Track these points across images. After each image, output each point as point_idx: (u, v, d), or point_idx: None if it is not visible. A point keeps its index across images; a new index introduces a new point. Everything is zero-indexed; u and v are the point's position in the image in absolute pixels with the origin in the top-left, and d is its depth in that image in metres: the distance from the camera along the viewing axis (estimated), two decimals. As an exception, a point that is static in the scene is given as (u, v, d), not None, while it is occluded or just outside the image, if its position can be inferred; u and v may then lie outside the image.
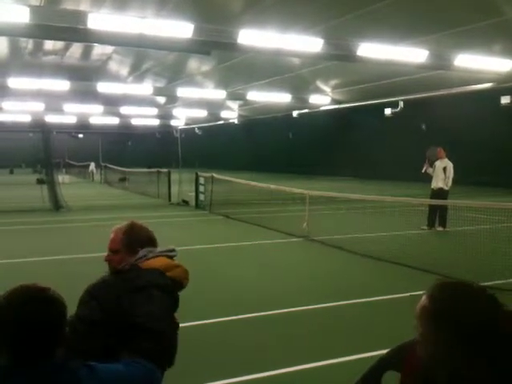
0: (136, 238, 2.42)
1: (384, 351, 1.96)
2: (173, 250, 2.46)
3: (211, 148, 50.16)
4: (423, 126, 29.88)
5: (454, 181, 12.15)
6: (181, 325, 2.40)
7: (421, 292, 1.56)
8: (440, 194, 11.81)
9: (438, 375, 1.57)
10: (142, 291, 2.17)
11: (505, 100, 19.82)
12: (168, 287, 2.28)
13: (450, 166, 12.05)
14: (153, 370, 1.93)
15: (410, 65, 15.17)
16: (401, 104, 22.63)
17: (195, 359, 4.36)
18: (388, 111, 23.95)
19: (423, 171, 12.42)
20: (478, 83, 18.04)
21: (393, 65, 15.13)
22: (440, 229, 11.74)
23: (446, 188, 11.95)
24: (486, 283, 5.78)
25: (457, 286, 1.57)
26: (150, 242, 2.45)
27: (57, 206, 15.88)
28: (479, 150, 25.70)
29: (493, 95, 19.81)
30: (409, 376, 1.71)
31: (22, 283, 1.64)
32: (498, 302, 1.53)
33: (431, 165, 12.29)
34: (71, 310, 2.02)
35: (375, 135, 33.21)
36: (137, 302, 2.14)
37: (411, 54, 14.39)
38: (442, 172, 11.98)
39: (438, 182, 12.01)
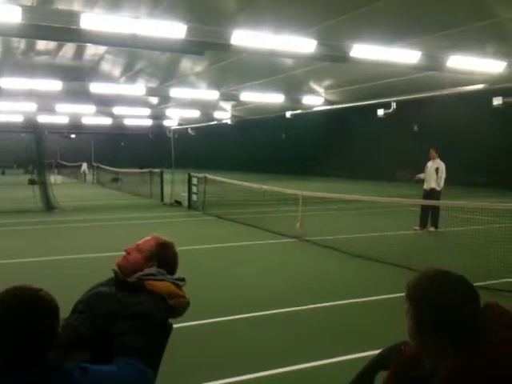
0: (161, 254, 2.44)
1: (379, 351, 1.97)
2: (183, 279, 2.45)
3: (204, 148, 50.04)
4: (415, 127, 30.00)
5: (447, 181, 12.19)
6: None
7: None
8: (432, 194, 11.85)
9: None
10: (138, 320, 2.11)
11: (497, 101, 19.87)
12: (164, 322, 2.25)
13: (442, 166, 12.09)
14: (145, 371, 1.93)
15: (403, 66, 15.21)
16: (393, 105, 22.66)
17: (194, 359, 4.36)
18: (381, 112, 23.97)
19: (422, 177, 12.38)
20: (471, 84, 18.12)
21: (386, 66, 15.18)
22: (432, 229, 11.78)
23: (438, 188, 11.99)
24: (479, 283, 5.80)
25: (436, 275, 1.58)
26: (170, 266, 2.46)
27: (49, 206, 15.80)
28: (471, 150, 25.84)
29: (485, 96, 19.90)
30: (394, 373, 1.73)
31: (15, 284, 1.63)
32: (477, 297, 1.54)
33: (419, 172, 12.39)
34: (64, 311, 2.01)
35: (368, 136, 33.31)
36: (128, 332, 2.07)
37: (404, 56, 14.43)
38: (435, 172, 12.02)
39: (431, 183, 12.04)
